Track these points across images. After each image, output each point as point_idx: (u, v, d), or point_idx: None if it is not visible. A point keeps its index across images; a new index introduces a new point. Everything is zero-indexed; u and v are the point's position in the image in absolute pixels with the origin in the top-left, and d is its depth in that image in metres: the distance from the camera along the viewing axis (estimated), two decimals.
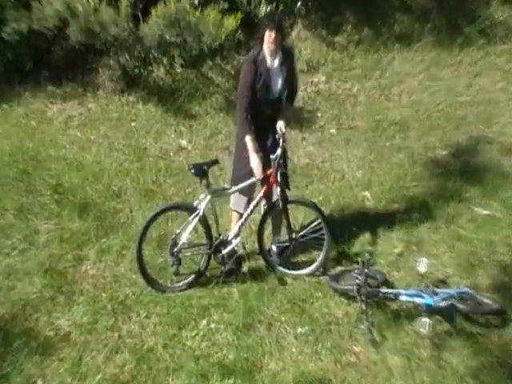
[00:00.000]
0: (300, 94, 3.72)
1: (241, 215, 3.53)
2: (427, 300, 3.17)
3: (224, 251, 3.46)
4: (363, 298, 3.15)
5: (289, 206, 3.50)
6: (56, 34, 5.10)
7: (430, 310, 3.15)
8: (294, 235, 3.55)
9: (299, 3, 5.89)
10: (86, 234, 3.77)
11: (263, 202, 3.56)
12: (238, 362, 2.93)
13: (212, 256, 3.47)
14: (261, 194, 3.47)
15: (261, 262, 3.66)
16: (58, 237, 3.72)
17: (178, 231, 3.38)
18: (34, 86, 5.21)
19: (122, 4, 4.91)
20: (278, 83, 3.41)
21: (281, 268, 3.61)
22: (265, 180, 3.43)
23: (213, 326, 3.17)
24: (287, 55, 3.47)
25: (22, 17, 4.89)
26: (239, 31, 5.31)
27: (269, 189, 3.46)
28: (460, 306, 3.17)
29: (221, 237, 3.48)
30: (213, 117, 5.24)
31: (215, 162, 3.60)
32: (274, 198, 3.47)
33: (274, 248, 3.72)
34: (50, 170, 4.33)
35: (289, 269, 3.62)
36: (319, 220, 3.54)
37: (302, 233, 3.59)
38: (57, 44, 5.29)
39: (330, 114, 5.48)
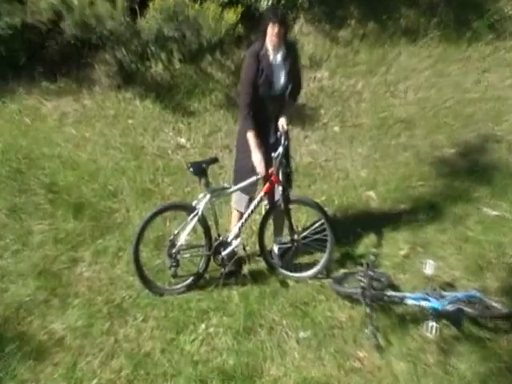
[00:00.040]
0: (303, 90, 3.71)
1: (241, 215, 3.50)
2: (434, 303, 3.13)
3: (224, 252, 3.43)
4: (368, 301, 3.12)
5: (291, 206, 3.47)
6: (50, 28, 5.05)
7: (437, 314, 3.11)
8: (296, 236, 3.52)
9: None
10: (81, 234, 3.76)
11: (265, 202, 3.52)
12: (238, 367, 2.91)
13: (211, 257, 3.45)
14: (261, 192, 3.43)
15: (262, 264, 3.63)
16: (53, 237, 3.71)
17: (176, 232, 3.35)
18: (28, 82, 5.17)
19: None
20: (281, 79, 3.36)
21: (282, 270, 3.59)
22: (266, 178, 3.39)
23: (212, 330, 3.16)
24: (290, 50, 3.41)
25: (16, 10, 4.85)
26: (240, 25, 5.24)
27: (269, 187, 3.42)
28: (468, 309, 3.13)
29: (220, 238, 3.45)
30: (212, 114, 5.21)
31: (215, 160, 3.57)
32: (276, 197, 3.43)
33: (276, 249, 3.70)
34: (44, 169, 4.30)
35: (291, 271, 3.60)
36: (322, 221, 3.52)
37: (304, 234, 3.56)
38: (51, 38, 5.23)
39: (334, 111, 5.44)
